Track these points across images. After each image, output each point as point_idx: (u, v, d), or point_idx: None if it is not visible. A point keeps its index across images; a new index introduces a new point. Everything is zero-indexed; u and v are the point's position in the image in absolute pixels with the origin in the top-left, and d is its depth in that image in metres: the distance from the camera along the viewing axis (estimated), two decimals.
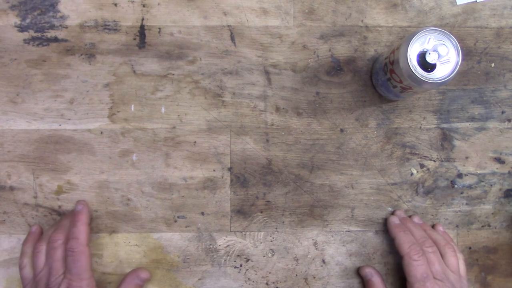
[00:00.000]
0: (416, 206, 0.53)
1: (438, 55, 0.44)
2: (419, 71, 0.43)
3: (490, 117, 0.54)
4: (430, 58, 0.43)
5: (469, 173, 0.54)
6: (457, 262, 0.48)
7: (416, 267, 0.46)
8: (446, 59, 0.44)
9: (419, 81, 0.44)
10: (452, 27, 0.54)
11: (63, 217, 0.51)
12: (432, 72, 0.44)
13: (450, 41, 0.44)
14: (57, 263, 0.46)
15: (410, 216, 0.53)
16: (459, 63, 0.44)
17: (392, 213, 0.53)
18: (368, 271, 0.51)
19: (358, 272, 0.52)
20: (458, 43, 0.44)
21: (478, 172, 0.54)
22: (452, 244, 0.50)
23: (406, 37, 0.45)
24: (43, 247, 0.48)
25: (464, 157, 0.54)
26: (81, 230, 0.48)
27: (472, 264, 0.54)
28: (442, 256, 0.48)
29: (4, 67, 0.52)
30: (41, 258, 0.47)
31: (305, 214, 0.53)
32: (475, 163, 0.54)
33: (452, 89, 0.54)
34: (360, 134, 0.53)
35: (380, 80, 0.51)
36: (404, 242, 0.48)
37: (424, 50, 0.44)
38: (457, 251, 0.50)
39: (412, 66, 0.43)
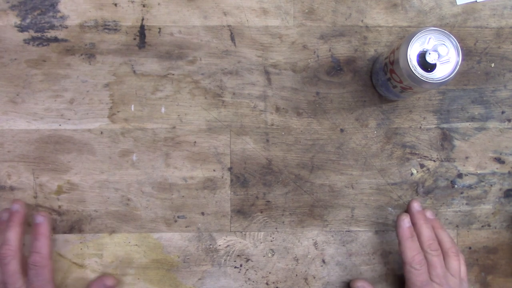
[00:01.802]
0: None
1: (438, 55, 0.44)
2: (419, 71, 0.43)
3: (490, 117, 0.54)
4: (430, 58, 0.44)
5: (469, 173, 0.54)
6: (459, 266, 0.48)
7: (417, 276, 0.47)
8: (446, 59, 0.44)
9: (419, 81, 0.44)
10: (452, 27, 0.54)
11: (5, 229, 0.48)
12: (432, 72, 0.44)
13: (450, 41, 0.44)
14: (12, 277, 0.46)
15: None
16: (459, 63, 0.44)
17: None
18: (361, 285, 0.51)
19: (350, 285, 0.52)
20: (458, 43, 0.44)
21: (478, 172, 0.54)
22: (455, 246, 0.50)
23: (406, 37, 0.45)
24: None
25: (464, 157, 0.54)
26: (43, 244, 0.47)
27: (472, 264, 0.54)
28: (444, 258, 0.48)
29: (4, 67, 0.52)
30: None
31: (305, 214, 0.53)
32: (475, 163, 0.54)
33: (452, 89, 0.54)
34: (360, 134, 0.53)
35: (380, 80, 0.51)
36: (409, 250, 0.47)
37: (424, 50, 0.44)
38: (459, 253, 0.50)
39: (412, 66, 0.43)
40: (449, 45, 0.44)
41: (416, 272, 0.47)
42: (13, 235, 0.47)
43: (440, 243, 0.49)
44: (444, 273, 0.47)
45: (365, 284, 0.51)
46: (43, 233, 0.48)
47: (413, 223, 0.50)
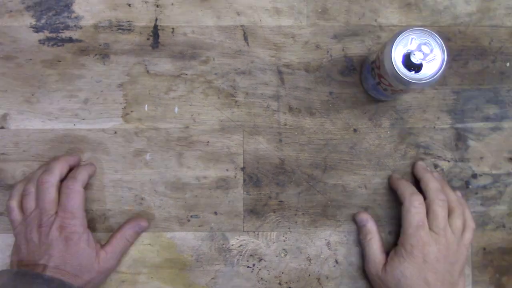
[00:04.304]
0: None
1: (423, 54, 0.43)
2: (405, 74, 0.43)
3: (505, 117, 0.53)
4: (415, 59, 0.43)
5: (483, 174, 0.53)
6: (462, 225, 0.48)
7: (414, 215, 0.47)
8: (432, 57, 0.43)
9: (407, 83, 0.44)
10: (467, 26, 0.54)
11: (51, 159, 0.51)
12: (420, 72, 0.44)
13: (434, 39, 0.44)
14: (48, 204, 0.47)
15: None
16: (445, 60, 0.43)
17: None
18: (364, 217, 0.51)
19: (353, 219, 0.52)
20: (442, 40, 0.43)
21: (493, 172, 0.53)
22: (464, 207, 0.49)
23: (388, 40, 0.45)
24: (32, 189, 0.48)
25: (479, 157, 0.53)
26: (81, 173, 0.49)
27: (487, 265, 0.53)
28: (449, 214, 0.48)
29: (19, 67, 0.52)
30: (31, 200, 0.48)
31: (318, 214, 0.53)
32: (490, 163, 0.53)
33: (466, 89, 0.54)
34: (373, 134, 0.53)
35: (370, 84, 0.50)
36: (406, 190, 0.48)
37: (409, 51, 0.44)
38: (467, 218, 0.49)
39: (398, 70, 0.43)
40: (433, 43, 0.44)
41: (414, 210, 0.47)
42: (58, 165, 0.48)
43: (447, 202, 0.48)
44: (445, 226, 0.47)
45: (368, 216, 0.51)
46: (86, 168, 0.50)
47: (419, 178, 0.50)
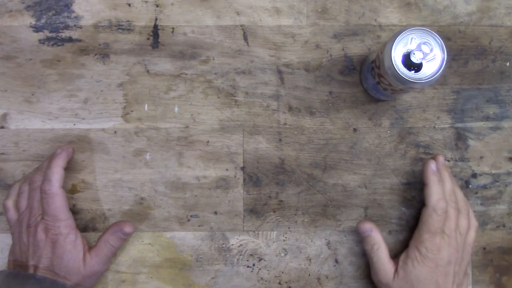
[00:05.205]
0: None
1: (423, 53, 0.43)
2: (406, 73, 0.43)
3: (505, 116, 0.53)
4: (415, 58, 0.43)
5: (483, 173, 0.53)
6: (467, 225, 0.48)
7: (435, 222, 0.46)
8: (432, 56, 0.43)
9: (407, 83, 0.43)
10: (467, 26, 0.54)
11: (45, 159, 0.51)
12: (420, 72, 0.44)
13: (434, 38, 0.44)
14: (36, 203, 0.47)
15: None
16: (445, 60, 0.43)
17: (435, 156, 0.50)
18: (368, 227, 0.49)
19: (356, 229, 0.51)
20: (442, 39, 0.43)
21: (493, 172, 0.53)
22: (468, 207, 0.49)
23: (388, 40, 0.45)
24: (26, 189, 0.48)
25: (479, 157, 0.53)
26: (54, 172, 0.47)
27: (487, 265, 0.53)
28: None
29: (19, 67, 0.52)
30: (23, 199, 0.48)
31: (318, 214, 0.53)
32: (490, 163, 0.53)
33: (466, 88, 0.54)
34: (373, 134, 0.53)
35: (370, 84, 0.50)
36: (435, 193, 0.47)
37: (409, 50, 0.44)
38: (471, 217, 0.49)
39: (398, 69, 0.43)
40: (433, 43, 0.44)
41: (437, 217, 0.46)
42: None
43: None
44: (455, 228, 0.47)
45: (372, 225, 0.49)
46: (56, 163, 0.48)
47: None
